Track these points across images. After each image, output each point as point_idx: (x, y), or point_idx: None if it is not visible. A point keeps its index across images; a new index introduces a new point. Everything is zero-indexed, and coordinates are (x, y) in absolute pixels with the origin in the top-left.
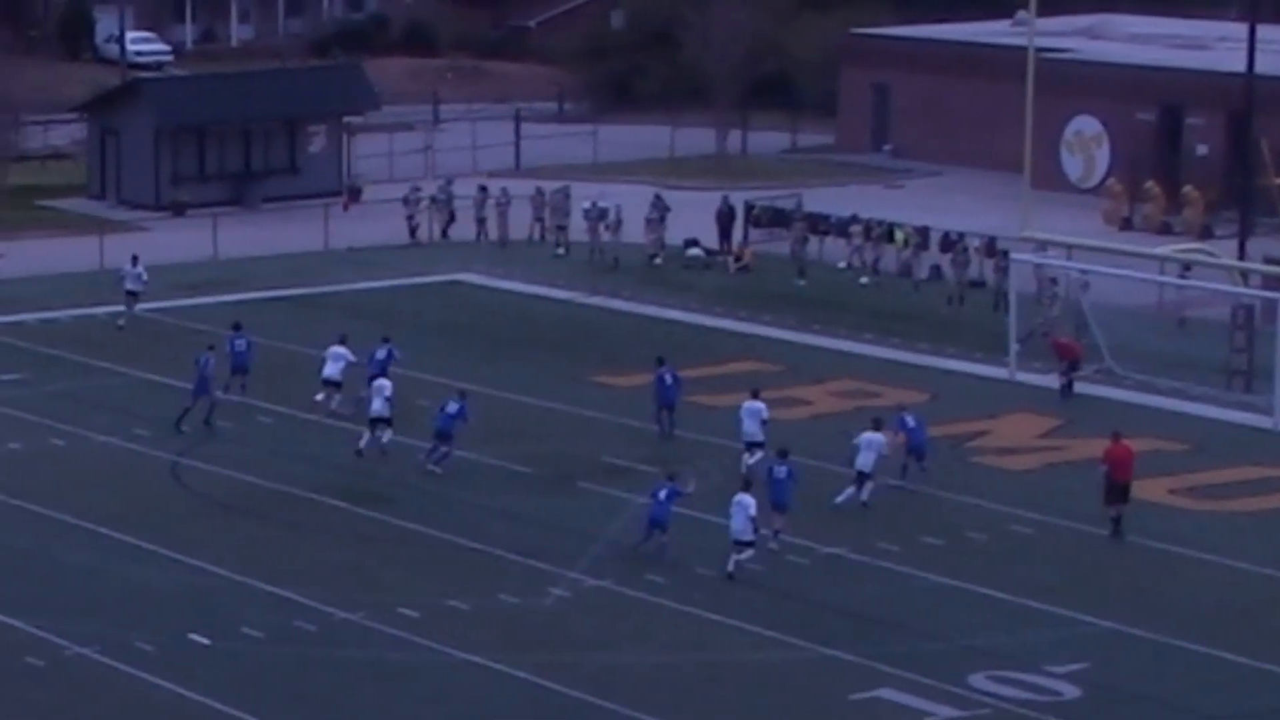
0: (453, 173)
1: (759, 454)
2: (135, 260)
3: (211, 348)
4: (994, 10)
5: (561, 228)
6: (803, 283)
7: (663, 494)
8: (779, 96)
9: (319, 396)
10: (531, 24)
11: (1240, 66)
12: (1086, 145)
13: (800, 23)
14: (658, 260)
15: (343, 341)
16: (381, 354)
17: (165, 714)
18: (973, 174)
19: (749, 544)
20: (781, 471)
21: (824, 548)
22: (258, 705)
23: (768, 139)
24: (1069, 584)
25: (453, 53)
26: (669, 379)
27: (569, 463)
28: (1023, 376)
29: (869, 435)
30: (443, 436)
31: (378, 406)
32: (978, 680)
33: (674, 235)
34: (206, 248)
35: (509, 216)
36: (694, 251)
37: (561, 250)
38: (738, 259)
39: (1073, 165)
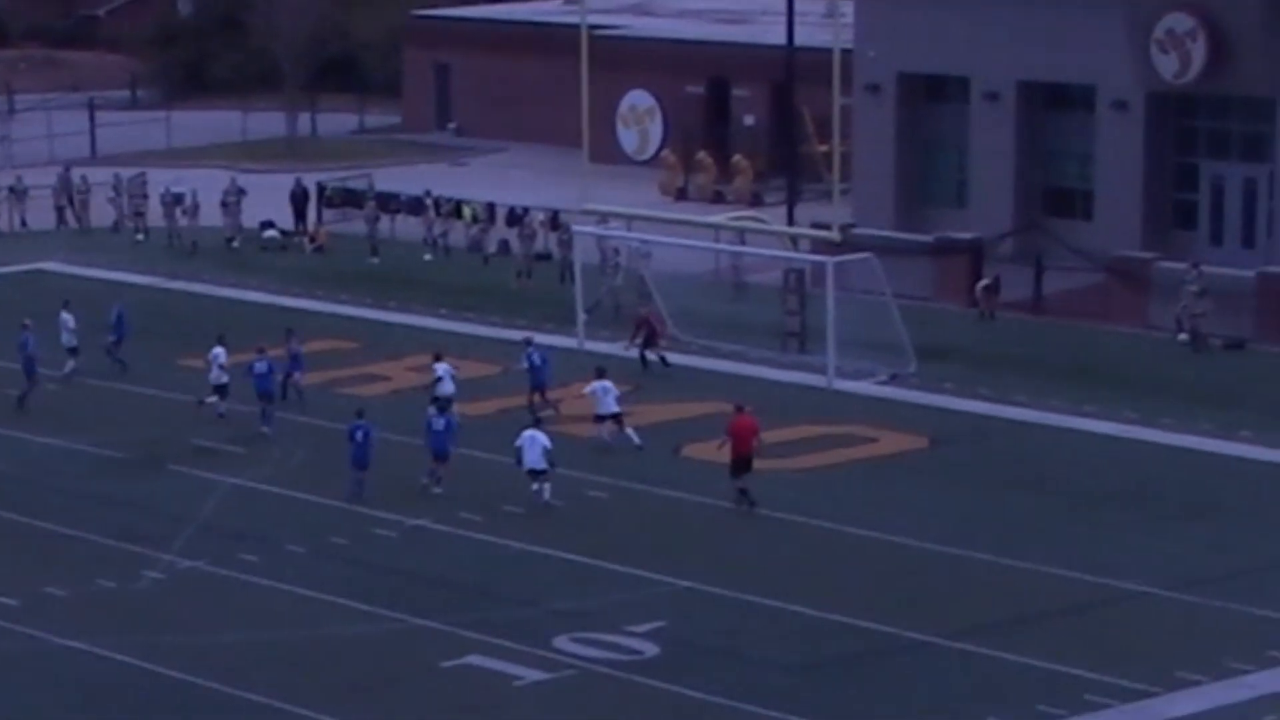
0: (30, 162)
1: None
2: None
3: None
4: None
5: (139, 214)
6: (376, 261)
7: (440, 424)
8: (346, 79)
9: None
10: (100, 13)
11: (781, 39)
12: (640, 119)
13: (363, 6)
14: (235, 243)
15: None
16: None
17: None
18: (535, 150)
19: (543, 472)
20: (440, 423)
21: (409, 520)
22: None
23: (337, 120)
24: (644, 546)
25: (24, 44)
26: (537, 360)
27: (158, 446)
28: (591, 345)
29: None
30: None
31: None
32: (562, 642)
33: (250, 218)
34: None
35: (89, 204)
36: (270, 233)
37: (141, 236)
38: (313, 239)
39: (628, 139)
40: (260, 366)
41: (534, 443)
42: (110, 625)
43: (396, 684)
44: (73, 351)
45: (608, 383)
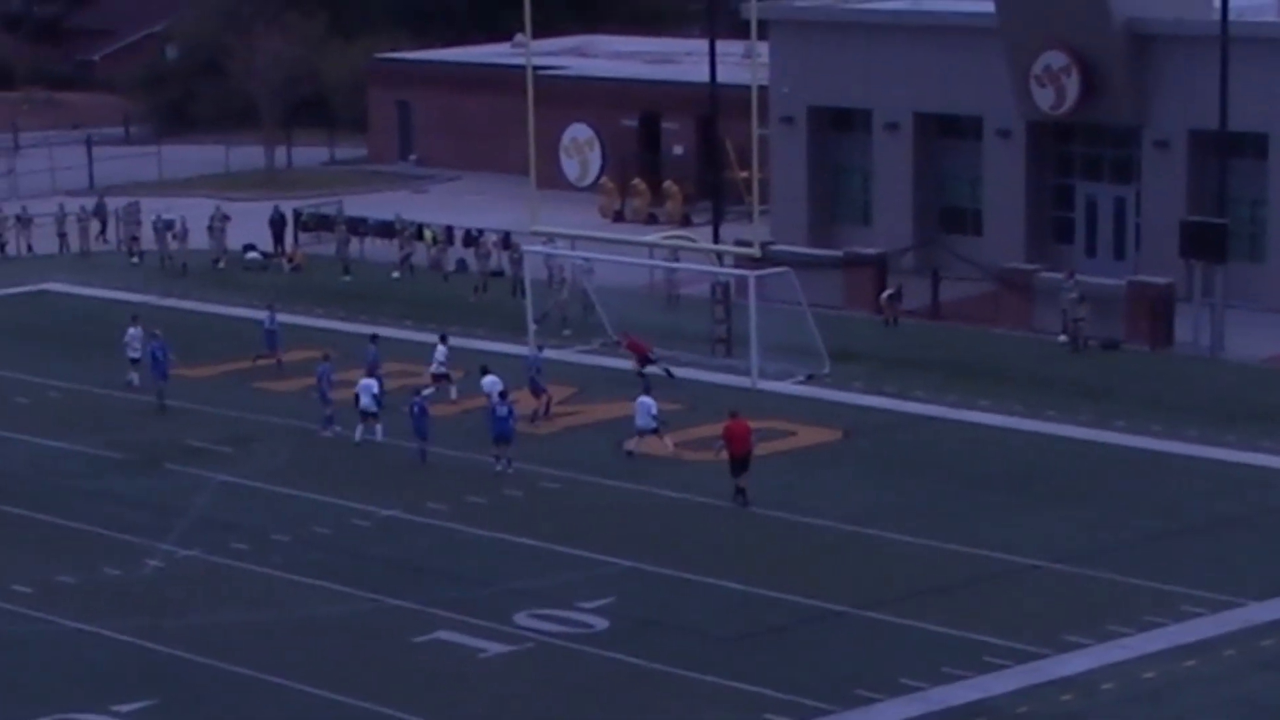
0: (34, 193)
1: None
2: None
3: None
4: (496, 34)
5: (134, 238)
6: (348, 279)
7: (504, 410)
8: (317, 115)
9: None
10: (96, 58)
11: (705, 77)
12: (581, 149)
13: (330, 49)
14: (221, 264)
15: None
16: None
17: None
18: (487, 178)
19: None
20: (504, 409)
21: (382, 510)
22: None
23: (310, 153)
24: (594, 530)
25: (27, 86)
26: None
27: (155, 447)
28: (548, 353)
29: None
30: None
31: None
32: (521, 618)
33: (234, 241)
34: None
35: (89, 230)
36: (252, 255)
37: (136, 259)
38: (290, 260)
39: (571, 167)
40: (322, 370)
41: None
42: (116, 609)
43: (374, 658)
44: (135, 362)
45: (649, 399)
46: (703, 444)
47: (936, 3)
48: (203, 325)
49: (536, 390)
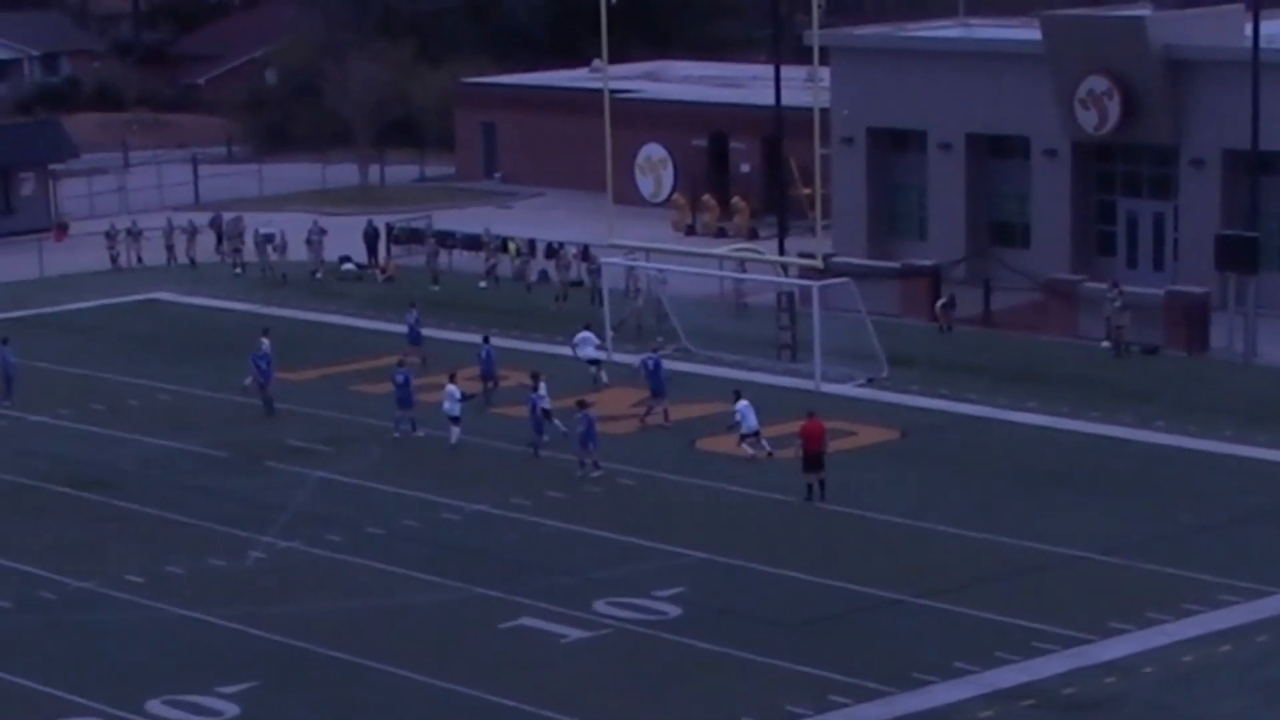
0: (143, 209)
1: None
2: None
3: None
4: (575, 59)
5: (237, 250)
6: (437, 289)
7: (651, 364)
8: (407, 135)
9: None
10: (201, 81)
11: (770, 100)
12: (655, 167)
13: (419, 74)
14: (318, 275)
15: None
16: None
17: None
18: (567, 194)
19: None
20: (651, 363)
21: (470, 505)
22: (12, 665)
23: (401, 171)
24: (667, 524)
25: (137, 108)
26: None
27: (257, 446)
28: (619, 357)
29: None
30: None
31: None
32: (600, 606)
33: (330, 253)
34: None
35: (198, 243)
36: (347, 266)
37: (238, 270)
38: (383, 271)
39: (645, 184)
40: (399, 377)
41: (749, 410)
42: (221, 598)
43: (462, 643)
44: (264, 375)
45: (746, 403)
46: (775, 444)
47: (987, 31)
48: (302, 332)
49: (657, 391)
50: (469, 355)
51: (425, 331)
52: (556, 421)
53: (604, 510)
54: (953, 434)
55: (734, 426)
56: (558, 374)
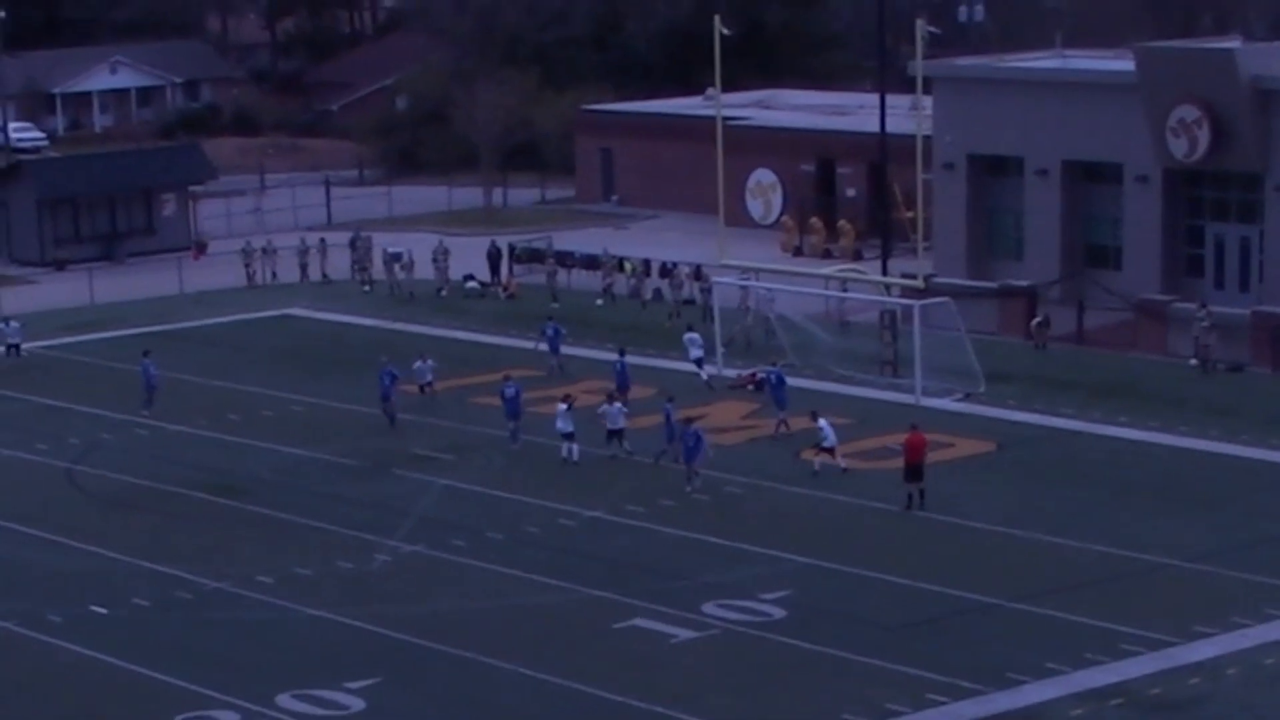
0: (278, 228)
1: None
2: (8, 320)
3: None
4: (689, 88)
5: (365, 269)
6: (556, 306)
7: (774, 378)
8: (530, 160)
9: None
10: (334, 108)
11: (875, 127)
12: (765, 191)
13: (542, 101)
14: (443, 292)
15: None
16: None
17: (72, 671)
18: (681, 216)
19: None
20: (774, 377)
21: (586, 512)
22: (151, 661)
23: (523, 194)
24: (773, 531)
25: (273, 132)
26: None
27: (384, 455)
28: (729, 372)
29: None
30: (514, 416)
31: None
32: (709, 608)
33: (455, 272)
34: (84, 295)
35: (327, 261)
36: (471, 284)
37: (367, 287)
38: (505, 289)
39: (755, 207)
40: (509, 390)
41: (829, 428)
42: (347, 598)
43: (577, 642)
44: (422, 389)
45: (825, 421)
46: (876, 455)
47: (1082, 62)
48: (427, 347)
49: (780, 403)
50: (586, 369)
51: (545, 347)
52: (625, 444)
53: (712, 518)
54: (1047, 446)
55: (820, 445)
56: (672, 387)
